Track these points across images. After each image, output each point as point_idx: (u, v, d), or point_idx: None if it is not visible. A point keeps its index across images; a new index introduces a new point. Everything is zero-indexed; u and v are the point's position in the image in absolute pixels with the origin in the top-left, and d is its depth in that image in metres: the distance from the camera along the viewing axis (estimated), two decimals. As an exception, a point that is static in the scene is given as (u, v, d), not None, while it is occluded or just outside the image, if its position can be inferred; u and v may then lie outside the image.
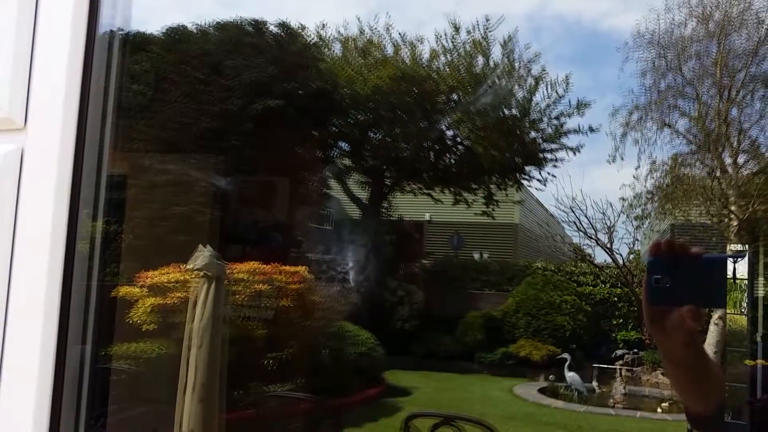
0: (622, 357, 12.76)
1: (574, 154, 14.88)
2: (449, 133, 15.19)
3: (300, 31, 12.96)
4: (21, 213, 0.93)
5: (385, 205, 16.09)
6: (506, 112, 14.63)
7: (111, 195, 1.09)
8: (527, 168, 15.59)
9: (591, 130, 14.58)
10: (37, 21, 0.94)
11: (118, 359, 5.84)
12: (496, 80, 14.12)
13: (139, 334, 6.55)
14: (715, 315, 11.04)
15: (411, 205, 17.43)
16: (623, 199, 13.46)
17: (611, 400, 11.23)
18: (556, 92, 14.32)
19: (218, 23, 11.43)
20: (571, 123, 14.69)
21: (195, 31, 11.24)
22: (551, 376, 12.30)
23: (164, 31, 10.82)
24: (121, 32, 1.11)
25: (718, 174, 11.90)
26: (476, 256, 18.02)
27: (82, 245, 0.97)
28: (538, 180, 15.45)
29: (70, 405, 0.96)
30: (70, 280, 0.94)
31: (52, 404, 0.93)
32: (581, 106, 14.38)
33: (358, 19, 15.20)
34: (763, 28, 11.41)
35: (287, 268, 8.35)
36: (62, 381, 0.94)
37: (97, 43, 0.97)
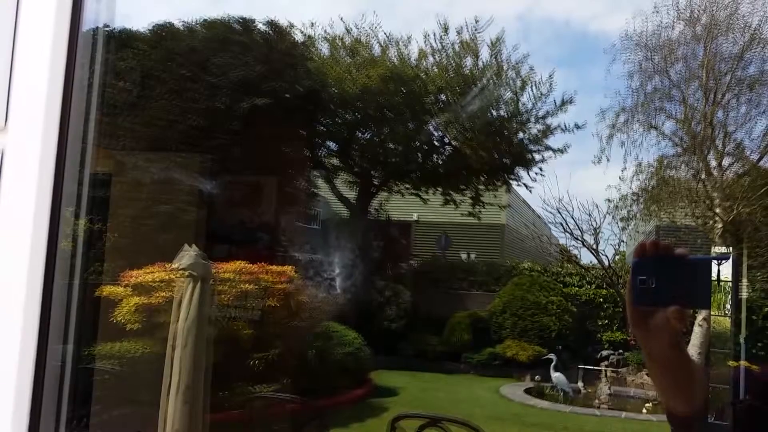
0: (607, 358, 12.82)
1: (561, 153, 14.97)
2: (437, 133, 15.21)
3: (288, 29, 12.92)
4: (1, 214, 0.91)
5: (373, 204, 16.08)
6: (494, 113, 14.67)
7: (95, 194, 1.08)
8: (515, 169, 15.64)
9: (577, 126, 14.68)
10: (19, 18, 0.93)
11: (101, 359, 5.79)
12: (485, 81, 14.15)
13: (123, 333, 6.50)
14: (700, 316, 11.13)
15: (399, 206, 17.43)
16: (609, 200, 13.56)
17: (596, 401, 11.28)
18: (541, 92, 14.40)
19: (205, 21, 11.37)
20: (556, 122, 14.80)
21: (182, 28, 11.18)
22: (537, 377, 12.34)
23: (151, 28, 10.75)
24: (106, 29, 1.10)
25: (703, 176, 12.00)
26: (463, 256, 18.06)
27: (65, 244, 0.96)
28: (525, 184, 15.53)
29: (50, 405, 0.95)
30: (51, 279, 0.93)
31: (32, 404, 0.92)
32: (565, 103, 14.46)
33: (341, 18, 15.15)
34: (749, 32, 11.52)
35: (274, 267, 8.32)
36: (42, 381, 0.93)
37: (80, 40, 0.96)
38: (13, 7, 0.92)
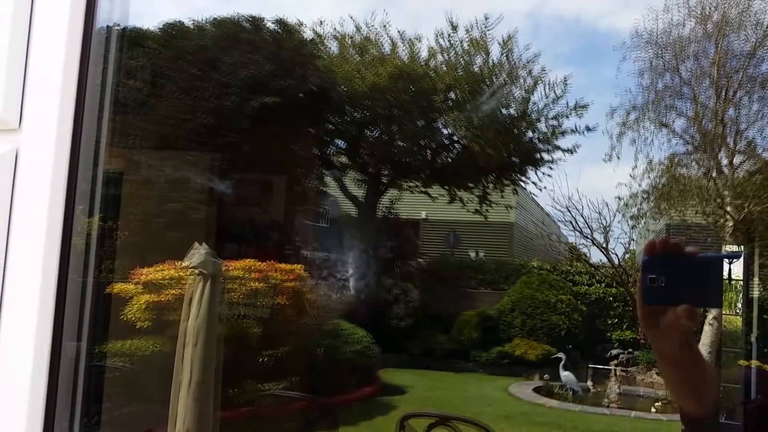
0: (617, 357, 12.77)
1: (571, 154, 14.89)
2: (446, 131, 15.18)
3: (297, 27, 12.94)
4: (15, 214, 0.92)
5: (382, 203, 16.08)
6: (503, 111, 14.61)
7: (106, 192, 1.08)
8: (524, 168, 15.57)
9: (588, 129, 14.56)
10: (33, 18, 0.93)
11: (112, 357, 5.83)
12: (494, 79, 14.10)
13: (134, 331, 6.54)
14: (710, 315, 11.07)
15: (407, 204, 17.42)
16: (619, 198, 13.50)
17: (606, 400, 11.25)
18: (554, 93, 14.30)
19: (215, 19, 11.41)
20: (568, 123, 14.69)
21: (192, 27, 11.22)
22: (546, 376, 12.31)
23: (161, 26, 10.80)
24: (118, 27, 1.11)
25: (714, 174, 11.92)
26: (472, 254, 18.03)
27: (78, 243, 0.96)
28: (534, 182, 15.47)
29: (64, 402, 0.96)
30: (65, 278, 0.94)
31: (47, 401, 0.92)
32: (579, 108, 14.35)
33: (350, 17, 15.14)
34: (761, 29, 11.42)
35: (283, 265, 8.35)
36: (57, 378, 0.93)
37: (94, 39, 0.96)
38: (28, 6, 0.93)
